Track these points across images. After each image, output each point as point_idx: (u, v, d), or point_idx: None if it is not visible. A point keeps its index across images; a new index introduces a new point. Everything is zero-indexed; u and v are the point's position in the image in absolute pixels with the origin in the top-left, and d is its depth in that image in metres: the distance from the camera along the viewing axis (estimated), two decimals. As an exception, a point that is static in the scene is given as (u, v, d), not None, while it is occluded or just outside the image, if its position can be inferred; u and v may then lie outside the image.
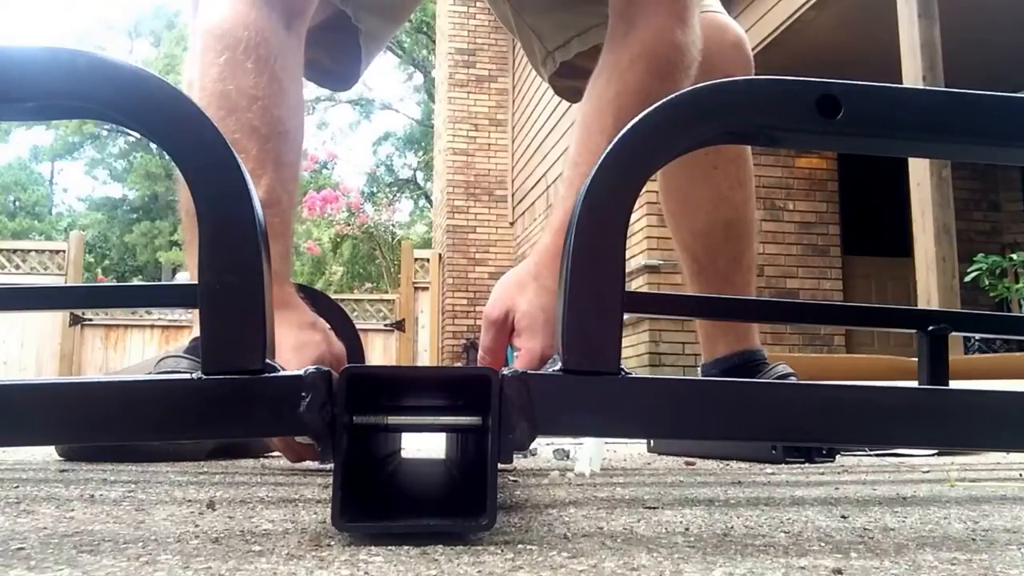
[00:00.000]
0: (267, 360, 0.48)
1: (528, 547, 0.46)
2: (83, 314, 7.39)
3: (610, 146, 0.50)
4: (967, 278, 3.94)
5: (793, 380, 1.25)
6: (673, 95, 0.50)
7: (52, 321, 7.25)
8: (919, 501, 0.74)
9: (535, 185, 8.05)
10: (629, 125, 0.50)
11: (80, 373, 7.18)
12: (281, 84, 0.91)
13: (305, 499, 0.70)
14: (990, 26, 4.69)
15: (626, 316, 0.80)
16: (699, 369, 1.43)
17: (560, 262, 0.53)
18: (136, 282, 19.60)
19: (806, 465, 1.20)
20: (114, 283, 15.59)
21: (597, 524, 0.56)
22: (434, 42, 9.71)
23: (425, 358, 8.20)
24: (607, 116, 0.91)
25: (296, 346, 0.79)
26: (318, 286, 9.39)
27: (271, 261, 0.76)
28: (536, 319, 0.86)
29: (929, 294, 3.44)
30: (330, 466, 0.47)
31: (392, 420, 0.51)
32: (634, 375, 0.50)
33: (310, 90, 1.06)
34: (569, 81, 1.31)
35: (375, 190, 18.99)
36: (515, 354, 0.88)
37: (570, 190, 0.90)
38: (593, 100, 0.94)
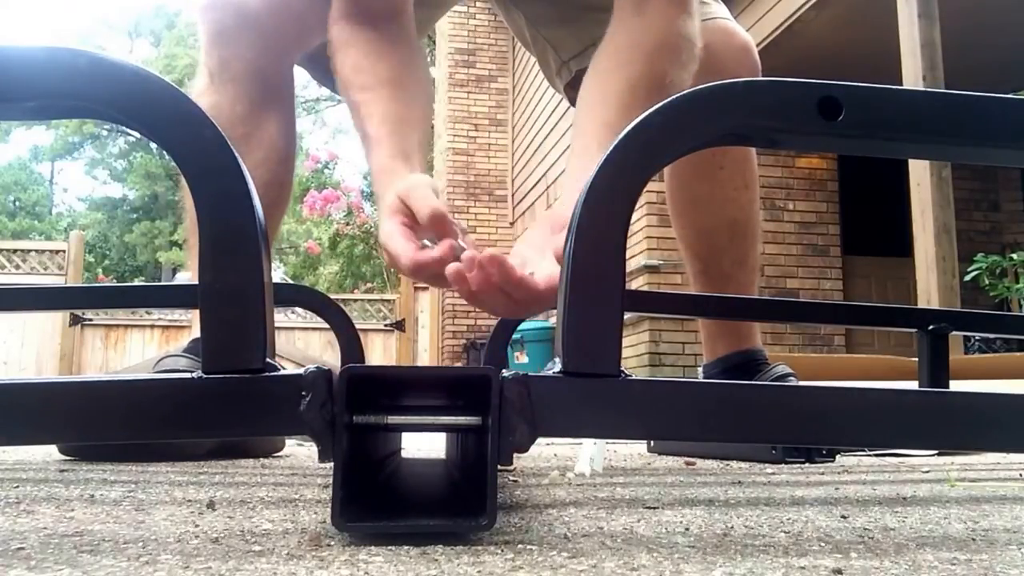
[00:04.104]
0: (267, 359, 0.48)
1: (528, 547, 0.46)
2: (83, 314, 7.39)
3: (611, 147, 0.50)
4: (967, 278, 3.94)
5: (793, 380, 1.25)
6: (674, 96, 0.50)
7: (52, 321, 7.25)
8: (919, 501, 0.74)
9: (535, 185, 8.04)
10: (630, 126, 0.50)
11: (80, 373, 7.18)
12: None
13: (305, 499, 0.70)
14: (991, 26, 4.69)
15: (626, 316, 0.80)
16: (700, 369, 1.43)
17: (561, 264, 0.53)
18: (136, 282, 19.61)
19: (806, 465, 1.20)
20: (114, 283, 15.58)
21: (597, 524, 0.56)
22: (434, 42, 9.71)
23: (425, 358, 8.20)
24: (637, 100, 0.87)
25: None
26: (312, 284, 9.40)
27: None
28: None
29: (929, 294, 3.44)
30: (330, 466, 0.47)
31: (392, 420, 0.51)
32: (634, 377, 0.50)
33: (312, 90, 1.11)
34: None
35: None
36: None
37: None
38: (614, 80, 0.91)
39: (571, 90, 1.35)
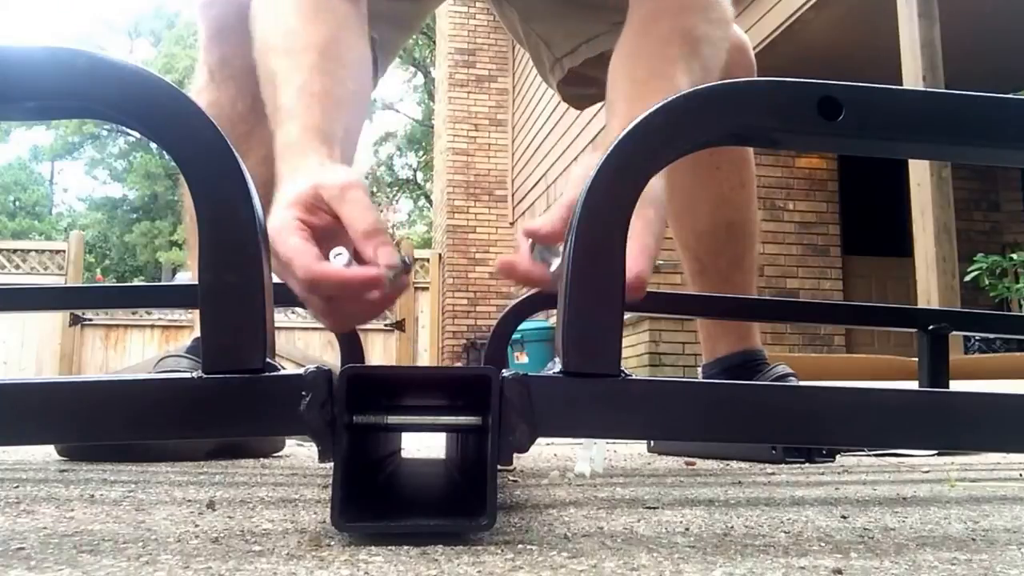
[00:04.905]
0: (267, 360, 0.48)
1: (528, 547, 0.46)
2: (83, 314, 7.39)
3: (611, 147, 0.50)
4: (967, 278, 3.94)
5: (793, 380, 1.25)
6: (674, 97, 0.50)
7: (52, 321, 7.25)
8: (919, 501, 0.74)
9: (535, 185, 8.04)
10: (630, 126, 0.50)
11: (80, 373, 7.18)
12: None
13: (305, 499, 0.70)
14: (991, 27, 4.69)
15: (626, 316, 0.79)
16: (699, 369, 1.43)
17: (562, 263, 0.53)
18: (136, 282, 19.62)
19: (806, 465, 1.20)
20: (114, 283, 15.58)
21: (597, 524, 0.56)
22: (434, 42, 9.71)
23: (425, 358, 8.20)
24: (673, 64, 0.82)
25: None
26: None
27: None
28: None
29: (929, 294, 3.44)
30: (330, 466, 0.47)
31: (392, 420, 0.51)
32: (634, 377, 0.50)
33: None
34: (577, 88, 1.31)
35: (375, 190, 19.03)
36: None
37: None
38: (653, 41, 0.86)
39: (564, 87, 1.35)
